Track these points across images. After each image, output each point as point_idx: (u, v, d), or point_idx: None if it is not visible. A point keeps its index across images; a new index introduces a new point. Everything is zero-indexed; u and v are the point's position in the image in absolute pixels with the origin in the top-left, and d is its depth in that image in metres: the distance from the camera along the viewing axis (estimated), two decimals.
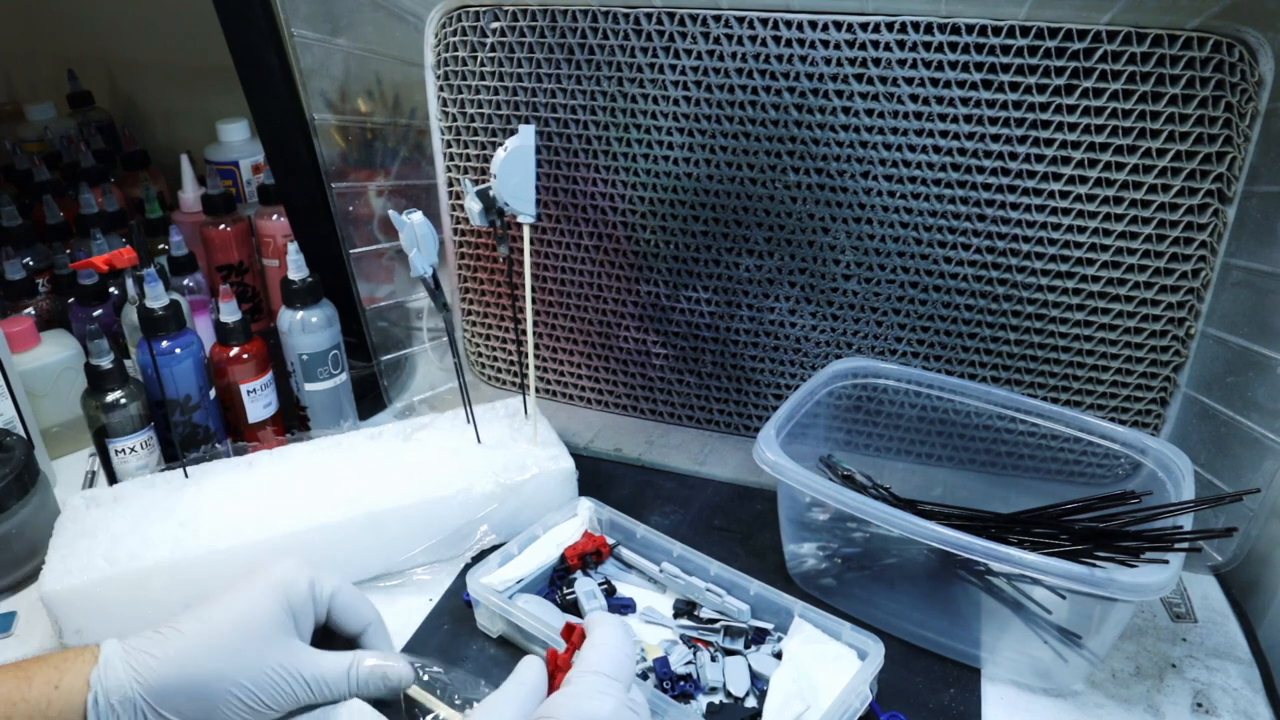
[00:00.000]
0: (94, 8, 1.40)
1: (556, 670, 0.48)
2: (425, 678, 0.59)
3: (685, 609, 0.68)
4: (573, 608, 0.68)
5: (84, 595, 0.64)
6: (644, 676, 0.61)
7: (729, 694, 0.61)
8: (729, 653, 0.64)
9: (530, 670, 0.48)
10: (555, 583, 0.70)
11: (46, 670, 0.48)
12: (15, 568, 0.73)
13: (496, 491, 0.74)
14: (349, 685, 0.52)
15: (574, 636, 0.50)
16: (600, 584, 0.70)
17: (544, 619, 0.63)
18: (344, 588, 0.56)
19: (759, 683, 0.61)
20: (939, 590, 0.68)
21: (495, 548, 0.71)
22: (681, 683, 0.61)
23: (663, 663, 0.62)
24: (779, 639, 0.64)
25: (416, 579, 0.73)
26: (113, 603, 0.65)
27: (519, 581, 0.69)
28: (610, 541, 0.73)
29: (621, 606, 0.68)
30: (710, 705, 0.60)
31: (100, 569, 0.65)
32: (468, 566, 0.73)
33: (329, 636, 0.56)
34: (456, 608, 0.70)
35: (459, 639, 0.67)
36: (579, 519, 0.74)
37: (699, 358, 0.88)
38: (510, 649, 0.66)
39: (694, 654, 0.64)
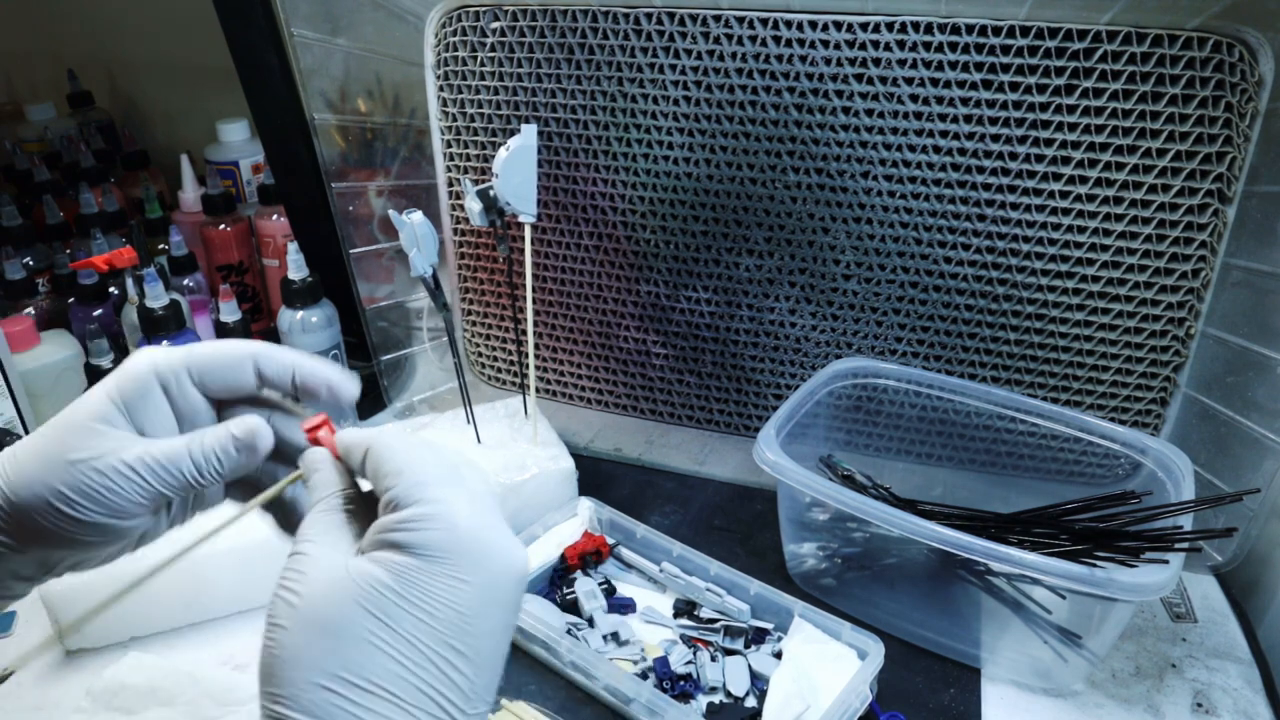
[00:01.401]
0: (94, 8, 1.40)
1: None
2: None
3: (685, 609, 0.68)
4: (572, 607, 0.68)
5: (83, 594, 0.64)
6: (644, 676, 0.61)
7: (729, 694, 0.61)
8: (729, 652, 0.64)
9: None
10: (555, 582, 0.70)
11: None
12: None
13: (496, 491, 0.74)
14: (191, 461, 0.40)
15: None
16: (600, 584, 0.70)
17: (544, 619, 0.63)
18: (215, 348, 0.43)
19: (759, 682, 0.61)
20: (939, 590, 0.68)
21: None
22: (681, 682, 0.61)
23: (663, 662, 0.62)
24: (779, 639, 0.64)
25: None
26: (113, 599, 0.65)
27: None
28: (610, 541, 0.73)
29: (621, 606, 0.68)
30: (710, 705, 0.60)
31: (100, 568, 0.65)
32: None
33: None
34: None
35: None
36: (579, 519, 0.74)
37: (699, 358, 0.88)
38: (509, 649, 0.66)
39: (694, 654, 0.64)
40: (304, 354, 0.43)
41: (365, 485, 0.40)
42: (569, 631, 0.64)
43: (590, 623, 0.66)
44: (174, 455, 0.40)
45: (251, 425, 0.41)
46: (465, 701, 0.34)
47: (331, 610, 0.33)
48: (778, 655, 0.63)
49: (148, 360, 0.42)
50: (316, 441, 0.41)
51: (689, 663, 0.63)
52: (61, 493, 0.39)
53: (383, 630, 0.33)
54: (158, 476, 0.40)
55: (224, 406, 0.44)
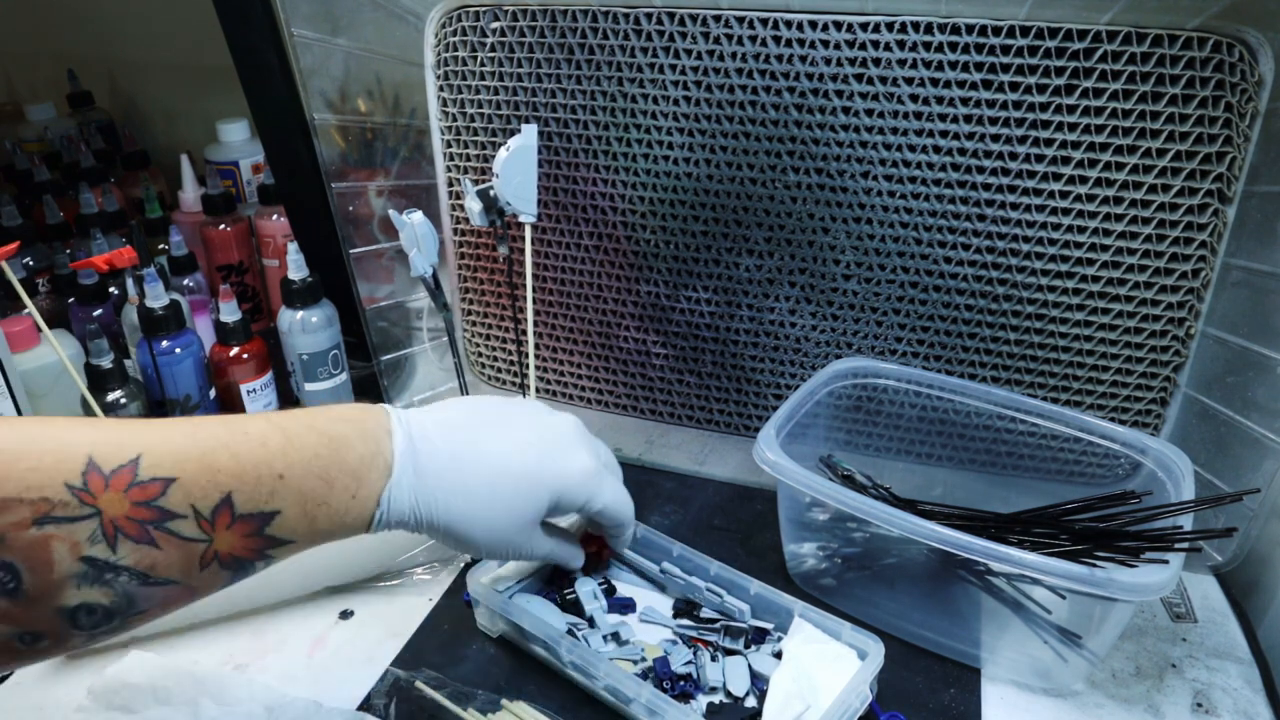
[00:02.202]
0: (94, 8, 1.40)
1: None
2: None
3: (685, 609, 0.68)
4: (573, 607, 0.68)
5: None
6: (644, 676, 0.61)
7: (729, 694, 0.61)
8: (729, 652, 0.64)
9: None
10: (555, 582, 0.70)
11: (345, 477, 0.49)
12: None
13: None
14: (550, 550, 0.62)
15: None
16: (600, 584, 0.70)
17: (543, 619, 0.63)
18: (615, 500, 0.62)
19: (759, 682, 0.61)
20: (939, 590, 0.68)
21: None
22: (681, 682, 0.61)
23: (663, 662, 0.62)
24: (779, 639, 0.64)
25: (416, 579, 0.73)
26: None
27: (519, 581, 0.69)
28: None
29: (622, 606, 0.68)
30: (710, 705, 0.60)
31: None
32: (466, 567, 0.73)
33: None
34: (456, 608, 0.70)
35: (459, 639, 0.67)
36: (579, 517, 0.74)
37: (699, 358, 0.88)
38: (510, 649, 0.66)
39: (694, 654, 0.64)
40: (616, 495, 0.62)
41: None
42: (569, 632, 0.64)
43: (591, 623, 0.66)
44: (567, 553, 0.65)
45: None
46: None
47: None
48: (778, 655, 0.63)
49: (582, 501, 0.60)
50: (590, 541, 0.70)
51: (689, 663, 0.63)
52: (496, 551, 0.60)
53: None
54: (536, 556, 0.62)
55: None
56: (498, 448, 0.56)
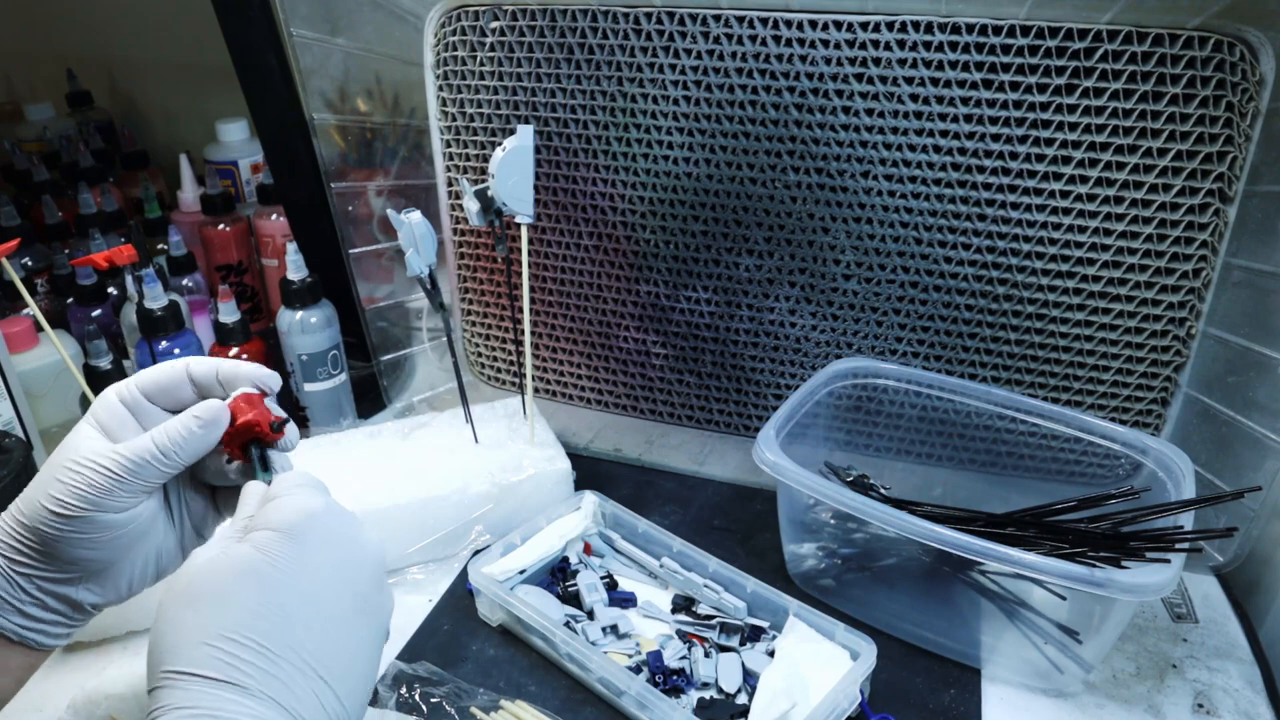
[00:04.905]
0: (94, 8, 1.40)
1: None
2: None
3: (683, 604, 0.68)
4: (574, 599, 0.68)
5: None
6: (637, 670, 0.61)
7: (720, 690, 0.61)
8: (723, 649, 0.64)
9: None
10: (556, 574, 0.70)
11: None
12: None
13: (492, 491, 0.74)
14: (155, 444, 0.46)
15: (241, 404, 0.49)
16: (602, 577, 0.70)
17: (544, 610, 0.63)
18: (155, 369, 0.50)
19: (751, 679, 0.61)
20: (939, 590, 0.68)
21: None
22: (674, 677, 0.61)
23: (656, 656, 0.62)
24: (774, 637, 0.64)
25: (412, 578, 0.73)
26: None
27: (521, 572, 0.69)
28: (277, 416, 0.50)
29: (623, 600, 0.68)
30: (701, 700, 0.60)
31: None
32: (465, 566, 0.73)
33: None
34: (456, 607, 0.70)
35: (459, 639, 0.67)
36: (582, 512, 0.74)
37: (699, 358, 0.88)
38: (510, 648, 0.66)
39: (688, 649, 0.64)
40: (225, 360, 0.51)
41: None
42: (567, 623, 0.64)
43: (591, 615, 0.66)
44: (139, 443, 0.47)
45: (213, 406, 0.48)
46: (324, 669, 0.39)
47: (208, 580, 0.40)
48: (771, 654, 0.63)
49: (113, 390, 0.49)
50: (238, 408, 0.48)
51: (683, 658, 0.63)
52: (51, 495, 0.45)
53: (251, 593, 0.39)
54: (127, 462, 0.46)
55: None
56: None
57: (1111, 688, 0.63)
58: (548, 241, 0.88)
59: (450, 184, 0.90)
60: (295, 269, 0.85)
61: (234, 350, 0.85)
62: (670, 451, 0.90)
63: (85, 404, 0.79)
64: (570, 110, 0.81)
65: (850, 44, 0.70)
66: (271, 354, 0.89)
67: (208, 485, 0.52)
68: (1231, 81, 0.63)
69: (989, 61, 0.67)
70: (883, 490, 0.73)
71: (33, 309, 0.70)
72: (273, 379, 0.51)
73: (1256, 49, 0.62)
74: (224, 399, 0.49)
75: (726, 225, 0.81)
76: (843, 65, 0.71)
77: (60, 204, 1.11)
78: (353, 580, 0.43)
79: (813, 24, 0.70)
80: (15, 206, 1.08)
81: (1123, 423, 0.75)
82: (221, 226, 1.09)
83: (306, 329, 0.86)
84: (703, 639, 0.65)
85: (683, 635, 0.65)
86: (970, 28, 0.66)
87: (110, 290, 1.01)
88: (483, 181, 0.74)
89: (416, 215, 0.72)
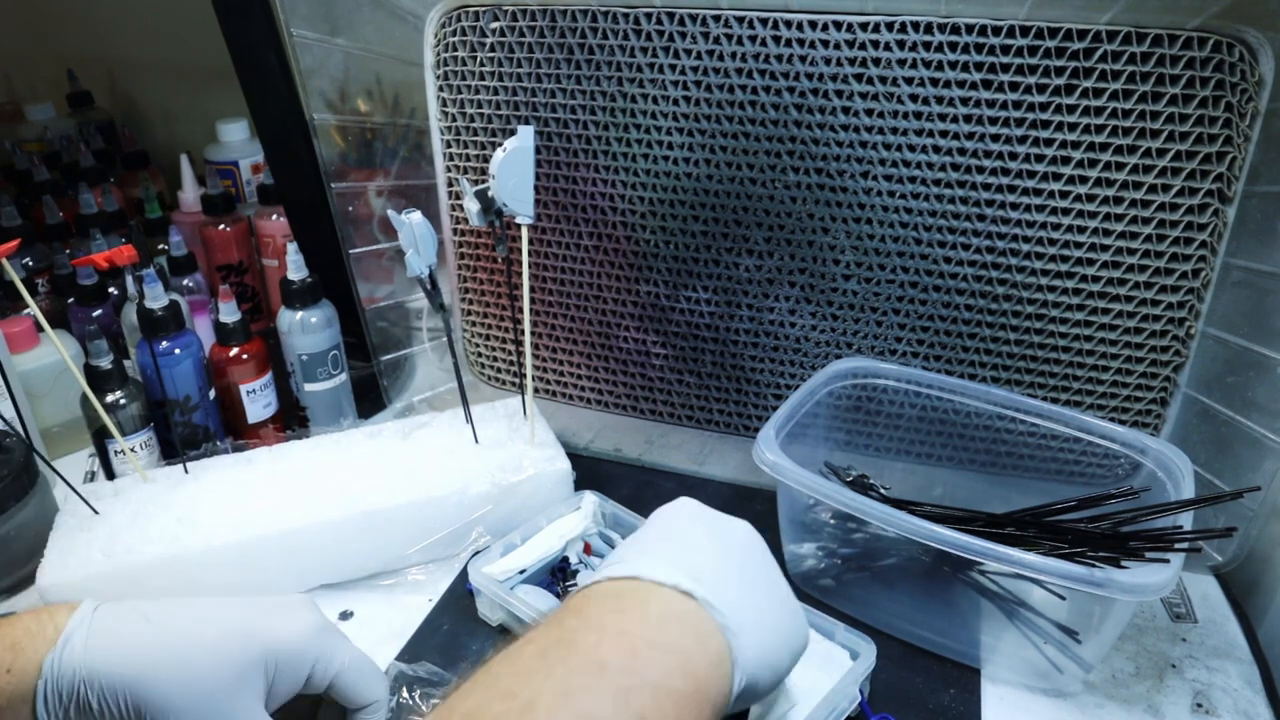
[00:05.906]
0: (94, 8, 1.40)
1: None
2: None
3: None
4: None
5: (80, 589, 0.64)
6: None
7: None
8: None
9: None
10: (556, 575, 0.70)
11: (1, 649, 0.46)
12: (15, 569, 0.73)
13: (492, 492, 0.74)
14: None
15: None
16: None
17: (544, 610, 0.63)
18: (354, 667, 0.52)
19: None
20: (939, 590, 0.68)
21: None
22: None
23: None
24: None
25: (411, 578, 0.73)
26: (110, 597, 0.64)
27: (521, 572, 0.69)
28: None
29: None
30: None
31: (97, 563, 0.65)
32: (465, 566, 0.73)
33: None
34: (456, 608, 0.70)
35: (459, 639, 0.67)
36: (583, 511, 0.74)
37: (699, 358, 0.88)
38: (511, 641, 0.66)
39: None
40: (355, 661, 0.52)
41: None
42: None
43: None
44: None
45: None
46: None
47: None
48: None
49: (311, 663, 0.50)
50: None
51: None
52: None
53: None
54: None
55: None
56: (203, 602, 0.51)
57: (1111, 687, 0.63)
58: (548, 242, 0.88)
59: (450, 184, 0.90)
60: (295, 269, 0.85)
61: (234, 350, 0.85)
62: (670, 451, 0.90)
63: (86, 404, 0.79)
64: (570, 110, 0.81)
65: (850, 44, 0.70)
66: (272, 354, 0.89)
67: None
68: (1231, 82, 0.63)
69: (989, 62, 0.67)
70: (883, 490, 0.73)
71: (33, 309, 0.70)
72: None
73: (1256, 49, 0.62)
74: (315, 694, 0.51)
75: (726, 225, 0.81)
76: (842, 65, 0.71)
77: (61, 204, 1.11)
78: None
79: (812, 24, 0.70)
80: (16, 207, 1.08)
81: (1122, 423, 0.75)
82: (222, 226, 1.09)
83: (307, 329, 0.86)
84: None
85: None
86: (970, 28, 0.66)
87: (111, 290, 1.01)
88: (483, 182, 0.74)
89: (417, 216, 0.72)
